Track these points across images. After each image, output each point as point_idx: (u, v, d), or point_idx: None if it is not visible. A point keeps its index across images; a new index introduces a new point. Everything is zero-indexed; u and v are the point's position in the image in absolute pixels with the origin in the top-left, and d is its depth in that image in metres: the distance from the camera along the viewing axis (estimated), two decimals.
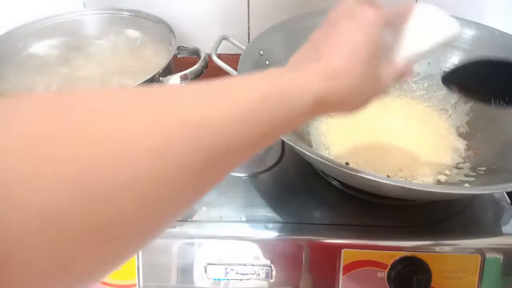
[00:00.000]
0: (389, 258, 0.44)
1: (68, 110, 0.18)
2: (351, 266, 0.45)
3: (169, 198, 0.19)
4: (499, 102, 0.35)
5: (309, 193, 0.52)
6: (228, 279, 0.46)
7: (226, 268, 0.46)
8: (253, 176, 0.54)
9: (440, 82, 0.62)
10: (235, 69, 0.52)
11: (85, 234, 0.16)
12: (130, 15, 0.67)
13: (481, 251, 0.44)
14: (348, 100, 0.31)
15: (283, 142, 0.59)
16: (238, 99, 0.23)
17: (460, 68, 0.36)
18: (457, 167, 0.53)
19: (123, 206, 0.17)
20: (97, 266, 0.18)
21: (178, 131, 0.19)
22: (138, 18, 0.66)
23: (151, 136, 0.18)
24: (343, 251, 0.45)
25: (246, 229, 0.47)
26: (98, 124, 0.17)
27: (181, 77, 0.55)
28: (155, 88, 0.22)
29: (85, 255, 0.17)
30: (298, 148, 0.42)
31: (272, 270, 0.46)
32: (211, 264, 0.46)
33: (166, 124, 0.19)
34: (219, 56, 0.56)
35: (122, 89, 0.20)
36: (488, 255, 0.44)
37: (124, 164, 0.17)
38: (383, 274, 0.45)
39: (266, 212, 0.49)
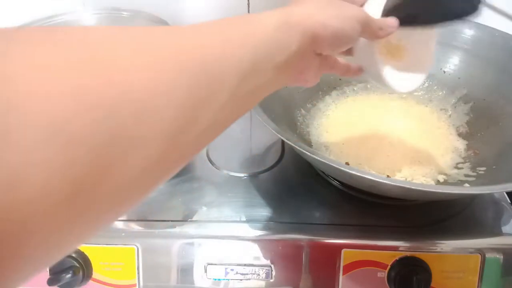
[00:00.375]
0: (389, 258, 0.44)
1: (70, 36, 0.18)
2: (351, 266, 0.45)
3: (169, 114, 0.19)
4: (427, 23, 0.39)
5: (309, 193, 0.52)
6: (228, 279, 0.46)
7: (226, 268, 0.46)
8: (253, 176, 0.54)
9: (440, 82, 0.62)
10: None
11: (94, 152, 0.16)
12: (130, 15, 0.67)
13: (481, 251, 0.44)
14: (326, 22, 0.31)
15: (283, 142, 0.59)
16: (259, 26, 0.26)
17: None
18: (457, 167, 0.53)
19: (124, 123, 0.17)
20: (107, 193, 0.17)
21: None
22: (138, 18, 0.66)
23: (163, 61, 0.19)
24: (343, 251, 0.45)
25: (246, 229, 0.47)
26: (101, 45, 0.18)
27: None
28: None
29: (95, 177, 0.16)
30: (298, 148, 0.42)
31: (272, 270, 0.46)
32: (211, 264, 0.46)
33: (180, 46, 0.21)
34: None
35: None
36: (488, 255, 0.44)
37: (125, 80, 0.17)
38: (383, 274, 0.45)
39: (266, 212, 0.49)
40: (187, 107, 0.20)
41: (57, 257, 0.18)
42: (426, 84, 0.63)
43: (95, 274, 0.46)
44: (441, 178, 0.51)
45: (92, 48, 0.17)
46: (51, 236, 0.16)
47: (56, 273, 0.43)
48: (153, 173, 0.20)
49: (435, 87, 0.63)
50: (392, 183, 0.39)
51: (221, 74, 0.22)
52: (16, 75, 0.14)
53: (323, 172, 0.54)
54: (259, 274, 0.46)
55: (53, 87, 0.15)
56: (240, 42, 0.24)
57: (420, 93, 0.63)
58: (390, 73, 0.39)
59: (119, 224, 0.48)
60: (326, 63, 0.38)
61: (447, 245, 0.45)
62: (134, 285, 0.46)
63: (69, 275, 0.43)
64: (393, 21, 0.35)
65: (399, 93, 0.40)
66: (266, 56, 0.26)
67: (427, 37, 0.42)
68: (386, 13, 0.36)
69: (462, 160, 0.54)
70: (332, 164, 0.40)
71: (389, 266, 0.44)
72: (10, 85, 0.14)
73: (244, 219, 0.48)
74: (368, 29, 0.34)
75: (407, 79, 0.42)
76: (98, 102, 0.16)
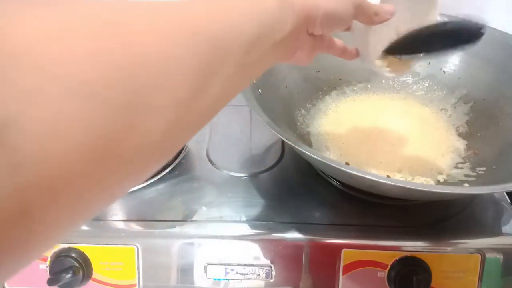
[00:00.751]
0: (389, 258, 0.44)
1: (89, 2, 0.19)
2: (351, 266, 0.45)
3: (180, 79, 0.20)
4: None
5: (309, 193, 0.52)
6: (228, 279, 0.46)
7: (226, 268, 0.46)
8: (253, 176, 0.54)
9: (440, 82, 0.62)
10: None
11: (118, 111, 0.17)
12: None
13: (481, 251, 0.44)
14: None
15: (283, 142, 0.59)
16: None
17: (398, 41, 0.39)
18: (457, 167, 0.53)
19: (142, 85, 0.18)
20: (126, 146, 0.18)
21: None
22: None
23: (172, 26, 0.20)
24: (343, 251, 0.45)
25: (246, 229, 0.47)
26: (119, 10, 0.19)
27: None
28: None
29: (120, 135, 0.17)
30: (298, 148, 0.42)
31: (272, 270, 0.46)
32: (211, 264, 0.46)
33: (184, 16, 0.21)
34: None
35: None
36: (488, 255, 0.44)
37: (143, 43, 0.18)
38: (383, 274, 0.45)
39: (266, 212, 0.49)
40: (198, 74, 0.21)
41: (87, 218, 0.19)
42: (426, 84, 0.63)
43: (95, 274, 0.46)
44: (441, 178, 0.51)
45: (111, 13, 0.18)
46: (83, 194, 0.17)
47: (56, 273, 0.43)
48: (170, 137, 0.21)
49: (435, 87, 0.63)
50: (392, 183, 0.39)
51: (229, 43, 0.23)
52: (41, 39, 0.15)
53: (323, 172, 0.54)
54: (259, 274, 0.46)
55: (77, 49, 0.16)
56: (247, 16, 0.25)
57: (420, 93, 0.63)
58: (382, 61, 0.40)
59: (119, 224, 0.48)
60: (322, 43, 0.38)
61: (447, 245, 0.45)
62: (134, 285, 0.46)
63: (69, 275, 0.43)
64: (390, 8, 0.35)
65: (387, 78, 0.42)
66: (268, 31, 0.27)
67: None
68: (396, 42, 0.37)
69: (462, 160, 0.54)
70: (332, 164, 0.40)
71: (389, 266, 0.44)
72: (36, 48, 0.15)
73: (244, 219, 0.48)
74: (363, 13, 0.34)
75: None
76: (118, 63, 0.17)
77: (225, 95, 0.25)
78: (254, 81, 0.51)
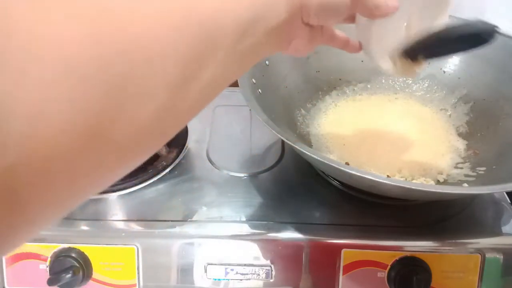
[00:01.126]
0: (389, 258, 0.44)
1: None
2: (351, 266, 0.45)
3: (175, 65, 0.20)
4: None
5: (309, 193, 0.52)
6: (228, 279, 0.46)
7: (226, 268, 0.46)
8: (253, 176, 0.54)
9: (440, 82, 0.62)
10: None
11: (108, 92, 0.17)
12: None
13: (481, 251, 0.44)
14: None
15: (283, 142, 0.59)
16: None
17: (418, 43, 0.39)
18: (457, 167, 0.53)
19: (134, 67, 0.18)
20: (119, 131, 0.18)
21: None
22: None
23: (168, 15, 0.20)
24: (343, 251, 0.45)
25: (246, 229, 0.47)
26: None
27: None
28: None
29: (111, 116, 0.17)
30: (298, 148, 0.42)
31: (272, 270, 0.46)
32: (211, 264, 0.46)
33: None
34: None
35: None
36: (488, 255, 0.44)
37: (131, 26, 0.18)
38: (383, 274, 0.45)
39: (266, 212, 0.49)
40: (190, 58, 0.21)
41: (77, 202, 0.19)
42: (426, 84, 0.63)
43: (95, 274, 0.46)
44: (441, 178, 0.51)
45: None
46: (73, 175, 0.17)
47: (56, 273, 0.43)
48: (161, 123, 0.21)
49: (435, 87, 0.63)
50: (392, 183, 0.39)
51: (222, 28, 0.23)
52: (33, 20, 0.15)
53: (323, 172, 0.54)
54: (259, 274, 0.46)
55: (68, 30, 0.16)
56: (240, 1, 0.25)
57: (420, 93, 0.63)
58: (383, 57, 0.40)
59: (119, 224, 0.48)
60: (322, 35, 0.37)
61: (447, 245, 0.45)
62: (134, 285, 0.46)
63: (69, 275, 0.43)
64: (393, 2, 0.34)
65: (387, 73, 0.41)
66: (261, 18, 0.27)
67: None
68: (410, 47, 0.37)
69: (462, 160, 0.54)
70: (332, 164, 0.40)
71: (389, 266, 0.44)
72: (27, 28, 0.15)
73: (244, 219, 0.48)
74: (361, 5, 0.33)
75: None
76: (111, 46, 0.17)
77: (218, 83, 0.25)
78: (254, 81, 0.51)
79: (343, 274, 0.45)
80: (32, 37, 0.15)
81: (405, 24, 0.40)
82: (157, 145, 0.23)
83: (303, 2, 0.31)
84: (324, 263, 0.45)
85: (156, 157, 0.56)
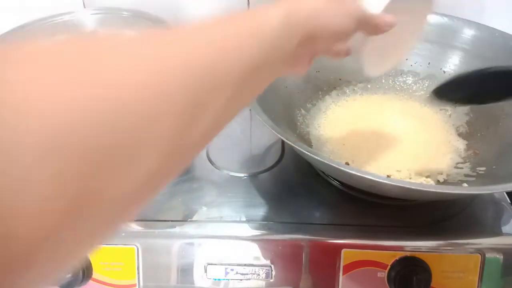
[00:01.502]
0: (389, 258, 0.44)
1: (65, 49, 0.18)
2: (351, 266, 0.45)
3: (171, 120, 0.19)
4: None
5: (309, 193, 0.52)
6: (228, 279, 0.46)
7: (226, 268, 0.46)
8: (253, 176, 0.54)
9: (440, 82, 0.62)
10: None
11: (95, 164, 0.16)
12: (130, 15, 0.67)
13: (481, 251, 0.44)
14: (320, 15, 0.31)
15: (283, 142, 0.59)
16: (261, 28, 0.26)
17: (449, 83, 0.39)
18: (457, 167, 0.53)
19: (125, 134, 0.17)
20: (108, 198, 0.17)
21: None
22: (138, 18, 0.66)
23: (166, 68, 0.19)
24: (343, 251, 0.45)
25: (246, 229, 0.47)
26: (101, 58, 0.18)
27: None
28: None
29: (97, 188, 0.16)
30: (298, 148, 0.42)
31: (272, 270, 0.46)
32: (211, 264, 0.46)
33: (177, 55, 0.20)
34: None
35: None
36: (488, 255, 0.44)
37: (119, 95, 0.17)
38: (383, 274, 0.45)
39: (266, 212, 0.49)
40: (189, 111, 0.20)
41: (65, 267, 0.18)
42: (426, 84, 0.63)
43: (95, 274, 0.46)
44: (441, 178, 0.51)
45: (91, 61, 0.17)
46: (58, 249, 0.16)
47: None
48: (155, 179, 0.20)
49: (436, 87, 0.63)
50: (392, 183, 0.39)
51: (225, 72, 0.23)
52: (12, 92, 0.14)
53: (323, 172, 0.54)
54: (259, 274, 0.46)
55: (52, 101, 0.15)
56: (247, 41, 0.25)
57: (420, 93, 0.63)
58: (369, 55, 0.40)
59: None
60: (320, 51, 0.37)
61: (447, 245, 0.45)
62: (134, 285, 0.46)
63: (69, 275, 0.43)
64: (390, 19, 0.35)
65: (368, 76, 0.42)
66: (268, 57, 0.26)
67: (420, 16, 0.42)
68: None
69: (462, 160, 0.54)
70: (332, 164, 0.40)
71: (389, 266, 0.44)
72: (6, 102, 0.14)
73: (244, 219, 0.48)
74: (364, 26, 0.34)
75: (381, 62, 0.42)
76: (98, 116, 0.16)
77: (221, 122, 0.24)
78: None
79: (343, 274, 0.45)
80: (9, 113, 0.14)
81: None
82: (156, 192, 0.21)
83: (315, 34, 0.30)
84: (324, 263, 0.45)
85: None
